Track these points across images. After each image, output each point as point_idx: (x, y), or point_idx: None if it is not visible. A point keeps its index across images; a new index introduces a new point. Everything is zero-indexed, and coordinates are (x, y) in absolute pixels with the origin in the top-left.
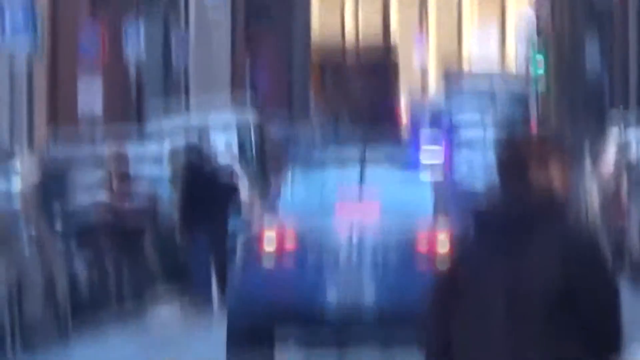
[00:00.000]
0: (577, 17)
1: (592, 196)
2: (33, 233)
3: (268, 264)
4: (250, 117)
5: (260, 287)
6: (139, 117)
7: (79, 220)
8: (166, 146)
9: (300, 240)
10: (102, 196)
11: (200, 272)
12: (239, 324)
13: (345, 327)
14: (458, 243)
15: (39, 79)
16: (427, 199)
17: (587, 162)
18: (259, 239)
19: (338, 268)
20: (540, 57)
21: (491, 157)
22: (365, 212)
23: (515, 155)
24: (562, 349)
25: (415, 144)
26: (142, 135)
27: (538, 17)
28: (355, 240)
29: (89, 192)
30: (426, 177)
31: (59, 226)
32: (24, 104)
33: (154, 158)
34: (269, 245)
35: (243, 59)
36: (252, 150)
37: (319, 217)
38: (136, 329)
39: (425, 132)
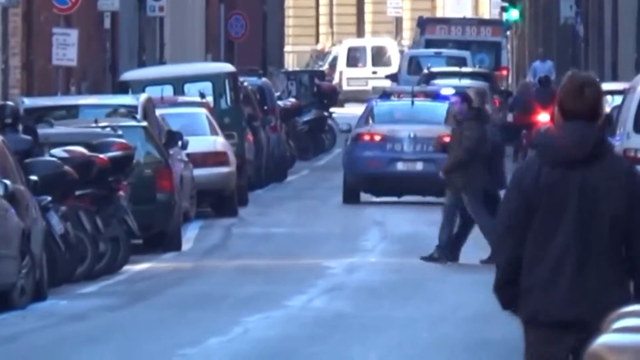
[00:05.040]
0: None
1: None
2: (8, 187)
3: (365, 148)
4: (224, 67)
5: (360, 160)
6: (114, 67)
7: (53, 173)
8: (142, 96)
9: (382, 136)
10: (77, 148)
11: None
12: (348, 180)
13: (405, 183)
14: (532, 173)
15: (15, 29)
16: (443, 114)
17: None
18: (361, 134)
19: (402, 151)
20: (514, 9)
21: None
22: (414, 122)
23: (582, 98)
24: (620, 268)
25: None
26: (116, 86)
27: None
28: (411, 136)
29: (64, 143)
30: (444, 104)
31: (33, 180)
32: None
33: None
34: (366, 138)
35: (218, 10)
36: (227, 100)
37: (392, 124)
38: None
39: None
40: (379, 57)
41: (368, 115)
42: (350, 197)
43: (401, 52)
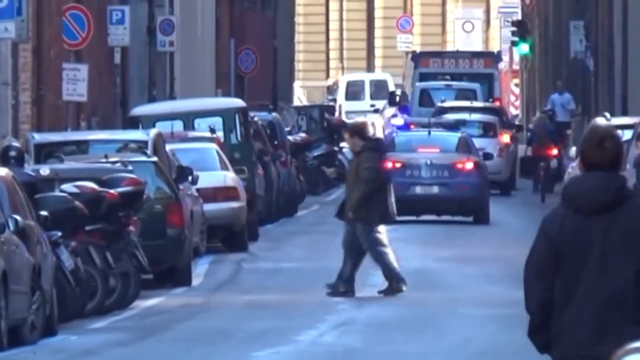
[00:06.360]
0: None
1: None
2: (18, 223)
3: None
4: (234, 102)
5: None
6: (124, 102)
7: (63, 209)
8: (152, 132)
9: (402, 163)
10: (87, 183)
11: None
12: None
13: (423, 205)
14: (558, 220)
15: (25, 65)
16: (456, 143)
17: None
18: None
19: (420, 176)
20: (524, 43)
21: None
22: (430, 151)
23: (602, 150)
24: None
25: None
26: (127, 121)
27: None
28: (428, 163)
29: (74, 179)
30: (457, 134)
31: (43, 215)
32: (9, 89)
33: (139, 143)
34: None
35: (228, 45)
36: (237, 135)
37: (411, 152)
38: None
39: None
40: (378, 91)
41: (389, 144)
42: None
43: (400, 86)
